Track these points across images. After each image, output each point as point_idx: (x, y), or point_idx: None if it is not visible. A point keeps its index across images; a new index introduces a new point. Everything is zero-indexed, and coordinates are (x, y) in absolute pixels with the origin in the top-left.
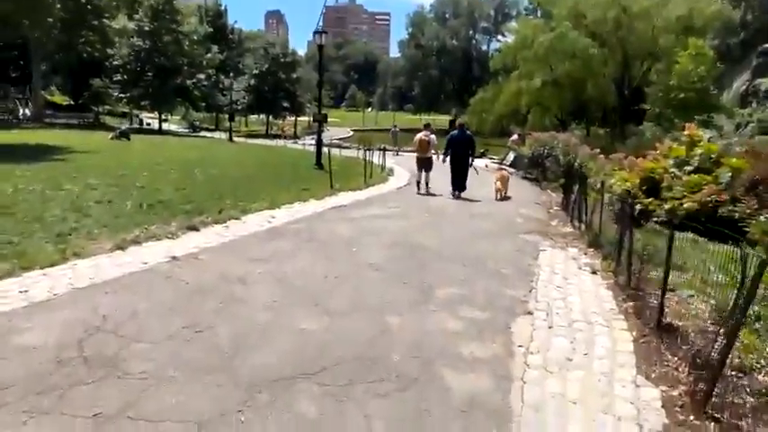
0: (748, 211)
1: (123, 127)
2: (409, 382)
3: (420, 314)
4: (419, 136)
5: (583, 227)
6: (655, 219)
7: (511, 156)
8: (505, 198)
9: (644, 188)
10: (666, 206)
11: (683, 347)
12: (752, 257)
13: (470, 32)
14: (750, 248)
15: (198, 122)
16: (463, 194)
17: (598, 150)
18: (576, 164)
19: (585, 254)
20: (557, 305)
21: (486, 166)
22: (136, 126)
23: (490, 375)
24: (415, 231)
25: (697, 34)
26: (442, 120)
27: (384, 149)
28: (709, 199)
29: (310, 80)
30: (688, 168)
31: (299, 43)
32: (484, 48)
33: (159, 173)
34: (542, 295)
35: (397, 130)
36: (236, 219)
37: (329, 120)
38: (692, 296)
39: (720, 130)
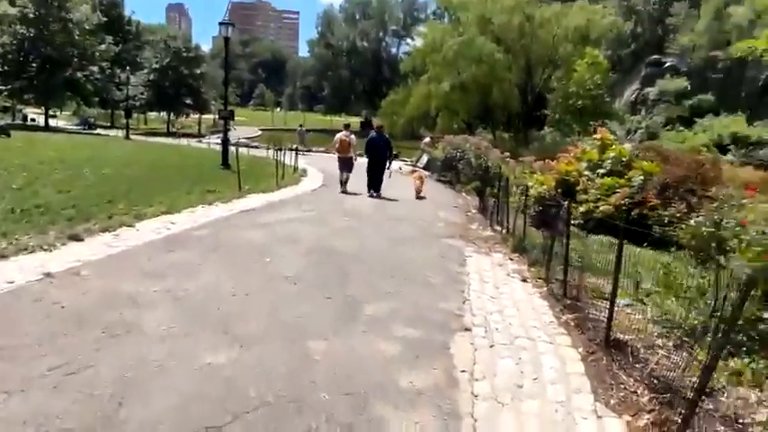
0: (678, 214)
1: (1, 122)
2: (343, 429)
3: (348, 336)
4: (339, 136)
5: (503, 231)
6: (572, 222)
7: (424, 158)
8: (421, 197)
9: (559, 191)
10: (582, 209)
11: (637, 366)
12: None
13: (380, 34)
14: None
15: (93, 119)
16: (379, 195)
17: (508, 154)
18: (491, 167)
19: (511, 259)
20: (494, 319)
21: (400, 168)
22: (18, 122)
23: (436, 412)
24: (334, 237)
25: (593, 44)
26: (353, 121)
27: (296, 149)
28: (623, 202)
29: (215, 77)
30: (601, 171)
31: (204, 39)
32: (393, 50)
33: (41, 173)
34: (477, 308)
35: (304, 129)
36: (129, 226)
37: (236, 119)
38: (629, 305)
39: (613, 135)
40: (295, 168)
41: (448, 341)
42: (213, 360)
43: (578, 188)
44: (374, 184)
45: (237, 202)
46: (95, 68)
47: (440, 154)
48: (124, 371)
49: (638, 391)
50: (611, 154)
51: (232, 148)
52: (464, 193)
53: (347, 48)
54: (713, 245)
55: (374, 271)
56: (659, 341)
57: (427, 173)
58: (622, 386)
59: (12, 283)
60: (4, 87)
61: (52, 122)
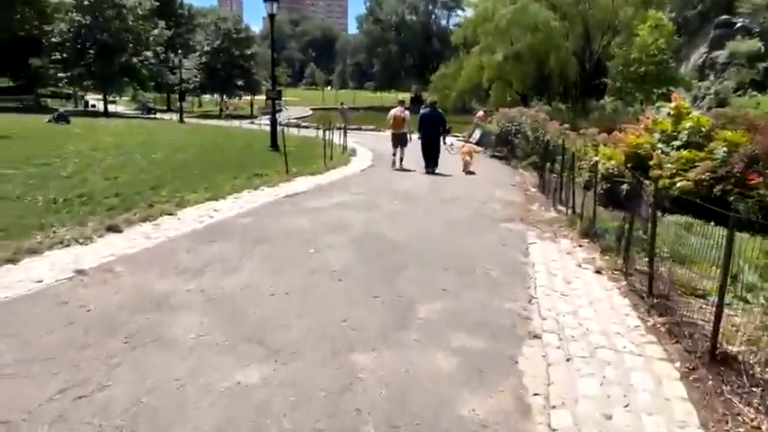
0: None
1: (62, 109)
2: None
3: (398, 347)
4: (394, 112)
5: (569, 212)
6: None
7: (477, 133)
8: (470, 172)
9: (629, 165)
10: (657, 185)
11: (755, 390)
12: None
13: (429, 7)
14: None
15: (152, 103)
16: (435, 171)
17: (567, 126)
18: (550, 140)
19: (580, 246)
20: (568, 323)
21: (452, 144)
22: (80, 108)
23: None
24: (385, 223)
25: (656, 6)
26: (404, 97)
27: (345, 128)
28: (704, 177)
29: (266, 57)
30: (676, 143)
31: (255, 20)
32: (443, 22)
33: (93, 159)
34: (547, 308)
35: (346, 107)
36: (170, 214)
37: (288, 99)
38: (728, 304)
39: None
40: (344, 148)
41: (515, 353)
42: (244, 379)
43: (652, 162)
44: (430, 159)
45: (284, 186)
46: (150, 53)
47: (494, 128)
48: (141, 394)
49: (763, 428)
50: (688, 124)
51: (283, 129)
52: (521, 170)
53: (396, 22)
54: None
55: (427, 263)
56: None
57: (480, 148)
58: (740, 418)
59: (39, 282)
60: (64, 75)
61: (112, 108)
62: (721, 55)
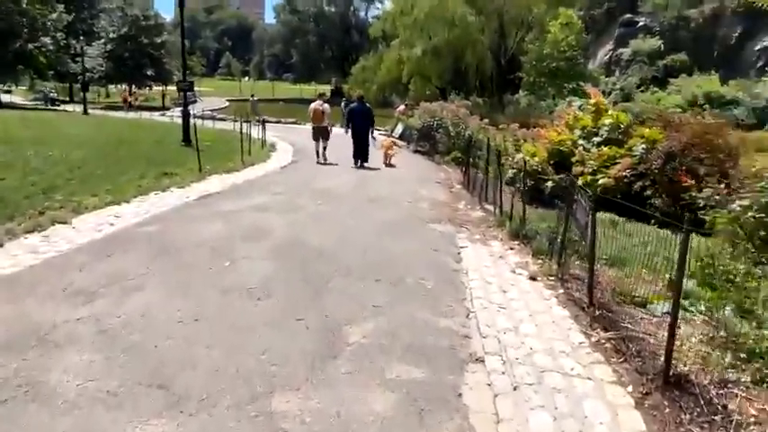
0: (717, 197)
1: None
2: None
3: (328, 384)
4: (313, 106)
5: (496, 211)
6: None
7: (399, 127)
8: (391, 165)
9: (552, 162)
10: (579, 182)
11: (716, 418)
12: None
13: None
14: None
15: (54, 93)
16: (364, 165)
17: (487, 121)
18: (473, 136)
19: (511, 249)
20: (510, 342)
21: (376, 138)
22: None
23: None
24: (308, 227)
25: (566, 4)
26: (324, 89)
27: (264, 122)
28: (625, 173)
29: (178, 46)
30: (596, 140)
31: (166, 8)
32: (362, 14)
33: None
34: (486, 324)
35: (256, 99)
36: (64, 223)
37: (202, 89)
38: (668, 313)
39: (588, 97)
40: (263, 142)
41: (458, 382)
42: None
43: (574, 159)
44: (360, 153)
45: (197, 187)
46: (48, 39)
47: (416, 122)
48: None
49: None
50: (608, 120)
51: (197, 122)
52: (444, 165)
53: (314, 12)
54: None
55: (355, 273)
56: (730, 372)
57: (402, 143)
58: None
59: None
60: None
61: (6, 98)
62: (625, 52)
